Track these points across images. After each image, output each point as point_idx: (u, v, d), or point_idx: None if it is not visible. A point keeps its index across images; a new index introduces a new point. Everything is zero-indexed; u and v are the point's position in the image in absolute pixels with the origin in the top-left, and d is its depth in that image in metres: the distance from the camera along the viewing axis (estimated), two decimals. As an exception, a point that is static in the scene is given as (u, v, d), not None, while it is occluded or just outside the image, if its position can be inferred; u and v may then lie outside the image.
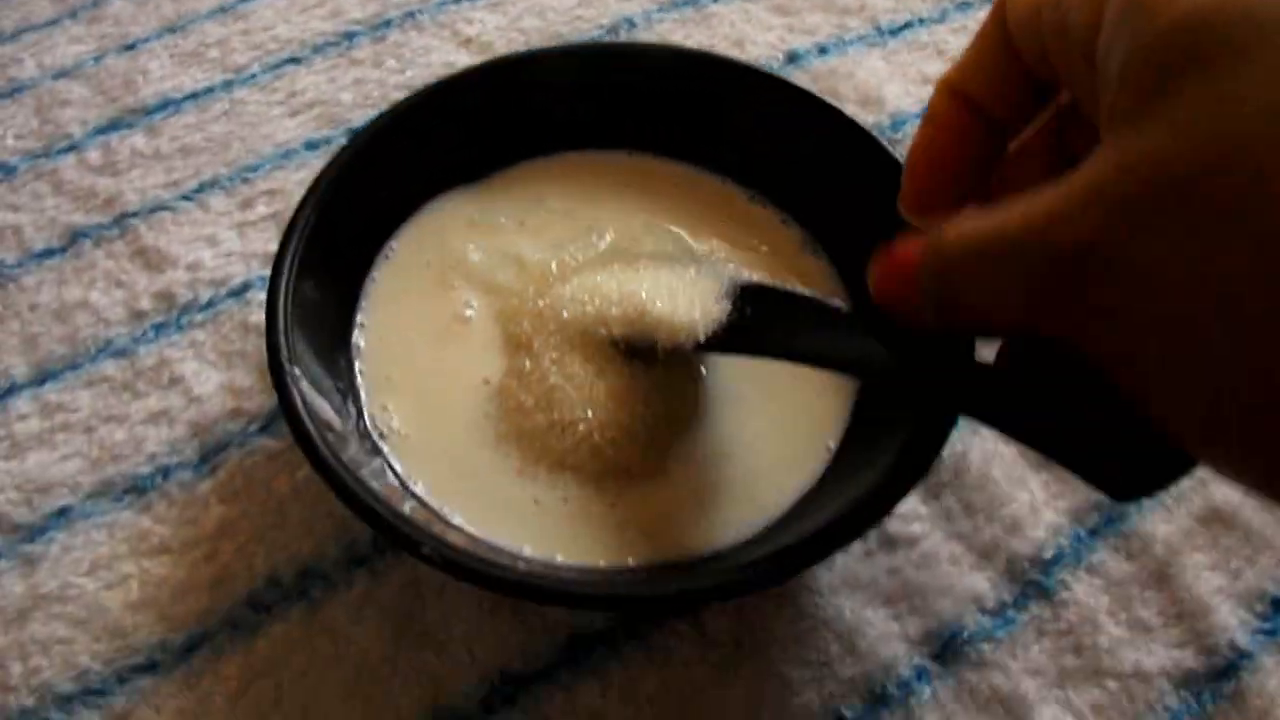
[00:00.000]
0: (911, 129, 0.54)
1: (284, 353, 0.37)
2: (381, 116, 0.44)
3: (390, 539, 0.33)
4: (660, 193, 0.47)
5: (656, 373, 0.40)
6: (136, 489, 0.41)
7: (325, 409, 0.37)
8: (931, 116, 0.33)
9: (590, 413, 0.39)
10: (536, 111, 0.47)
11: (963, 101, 0.32)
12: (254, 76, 0.54)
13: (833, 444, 0.41)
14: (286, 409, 0.35)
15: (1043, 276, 0.25)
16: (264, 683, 0.37)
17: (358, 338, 0.42)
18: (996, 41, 0.31)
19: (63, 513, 0.41)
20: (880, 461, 0.37)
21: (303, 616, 0.39)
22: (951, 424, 0.36)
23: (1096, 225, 0.24)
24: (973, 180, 0.33)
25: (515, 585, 0.33)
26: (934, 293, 0.29)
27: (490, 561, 0.34)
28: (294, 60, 0.55)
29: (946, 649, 0.39)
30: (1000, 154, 0.33)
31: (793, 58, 0.57)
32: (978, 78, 0.32)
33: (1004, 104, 0.32)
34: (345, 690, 0.37)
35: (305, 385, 0.37)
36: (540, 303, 0.42)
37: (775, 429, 0.41)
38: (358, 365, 0.41)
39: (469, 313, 0.43)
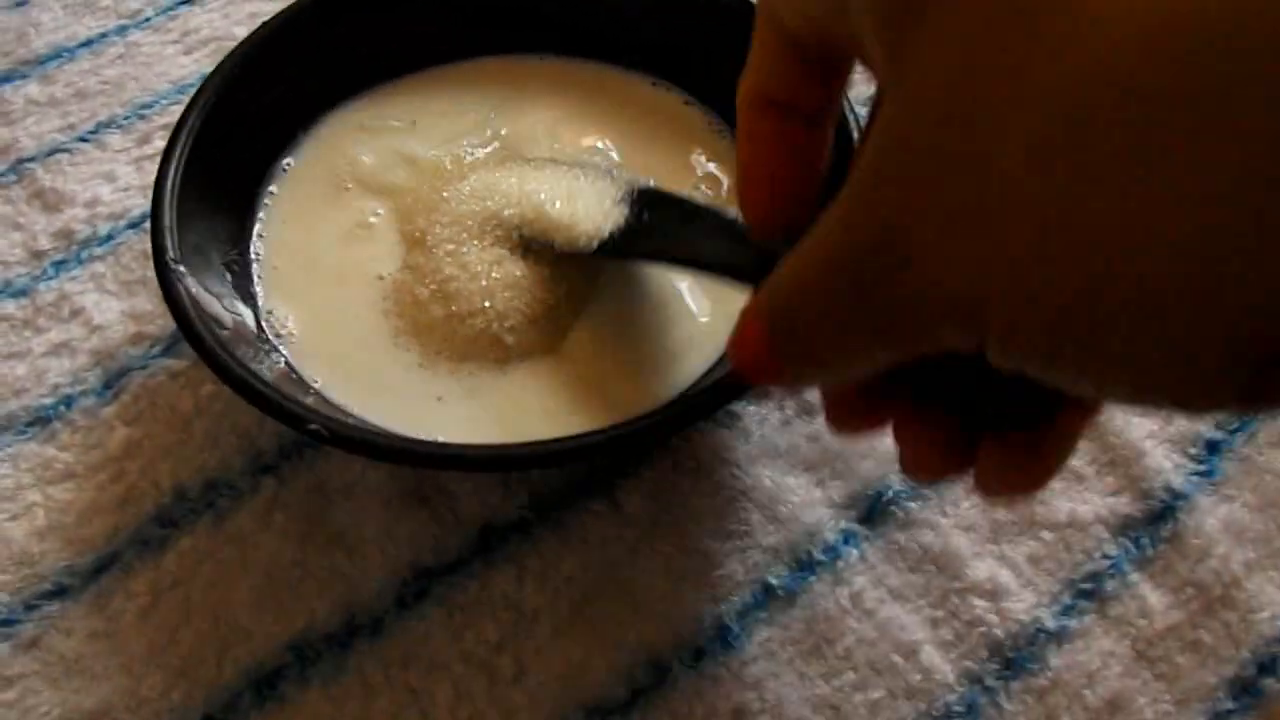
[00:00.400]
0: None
1: (169, 251, 0.36)
2: (265, 24, 0.43)
3: (277, 416, 0.33)
4: (561, 90, 0.46)
5: (552, 259, 0.39)
6: (40, 420, 0.41)
7: (213, 305, 0.37)
8: (746, 135, 0.29)
9: (488, 303, 0.38)
10: (426, 18, 0.46)
11: (770, 108, 0.29)
12: (148, 20, 0.53)
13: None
14: (169, 299, 0.35)
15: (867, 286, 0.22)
16: (173, 595, 0.37)
17: (256, 248, 0.41)
18: (773, 35, 0.28)
19: (-36, 445, 0.40)
20: None
21: (210, 528, 0.38)
22: None
23: (875, 213, 0.21)
24: (815, 186, 0.29)
25: (400, 453, 0.33)
26: (785, 352, 0.25)
27: (375, 431, 0.33)
28: (187, 1, 0.55)
29: (872, 510, 0.38)
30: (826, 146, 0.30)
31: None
32: (773, 80, 0.28)
33: (808, 95, 0.28)
34: (256, 597, 0.36)
35: (191, 282, 0.36)
36: (435, 197, 0.41)
37: (674, 308, 0.40)
38: (255, 272, 0.41)
39: (372, 219, 0.42)
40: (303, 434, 0.32)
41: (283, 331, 0.39)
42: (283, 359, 0.38)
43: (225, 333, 0.36)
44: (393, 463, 0.37)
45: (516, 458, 0.34)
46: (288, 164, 0.44)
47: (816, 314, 0.23)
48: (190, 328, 0.34)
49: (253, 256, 0.41)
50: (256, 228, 0.42)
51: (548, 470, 0.39)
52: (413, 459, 0.34)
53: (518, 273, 0.39)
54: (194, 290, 0.36)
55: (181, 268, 0.36)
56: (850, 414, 0.27)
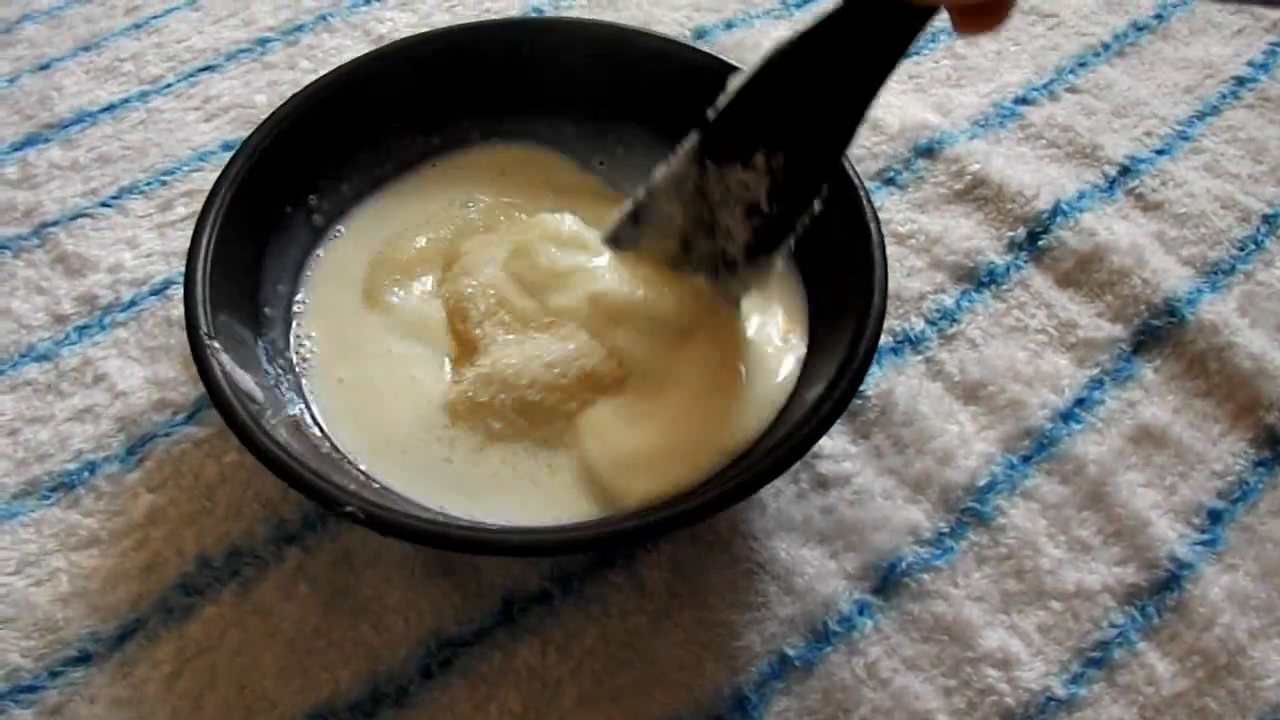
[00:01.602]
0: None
1: (202, 325, 0.37)
2: (285, 104, 0.44)
3: (308, 494, 0.33)
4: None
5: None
6: (64, 485, 0.41)
7: (246, 380, 0.37)
8: None
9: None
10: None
11: None
12: (169, 86, 0.55)
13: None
14: (204, 374, 0.36)
15: None
16: (198, 664, 0.37)
17: (296, 327, 0.43)
18: None
19: (-13, 512, 0.41)
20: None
21: (235, 597, 0.38)
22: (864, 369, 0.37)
23: None
24: None
25: (438, 537, 0.33)
26: None
27: (414, 515, 0.34)
28: (208, 68, 0.56)
29: (886, 582, 0.39)
30: None
31: (700, 34, 0.58)
32: None
33: None
34: (280, 666, 0.37)
35: (225, 357, 0.37)
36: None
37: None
38: (294, 350, 0.42)
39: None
40: (338, 516, 0.33)
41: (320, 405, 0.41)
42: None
43: (257, 407, 0.36)
44: (433, 546, 0.38)
45: (550, 545, 0.35)
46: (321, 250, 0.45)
47: None
48: (225, 403, 0.35)
49: (292, 338, 0.42)
50: (295, 309, 0.43)
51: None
52: (450, 543, 0.35)
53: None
54: (228, 366, 0.37)
55: (216, 343, 0.37)
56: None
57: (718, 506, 0.35)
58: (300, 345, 0.42)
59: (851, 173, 0.41)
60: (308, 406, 0.40)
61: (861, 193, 0.40)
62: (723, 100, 0.38)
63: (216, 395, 0.35)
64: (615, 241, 0.43)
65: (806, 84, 0.36)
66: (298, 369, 0.41)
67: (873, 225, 0.40)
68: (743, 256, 0.40)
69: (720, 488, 0.35)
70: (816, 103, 0.37)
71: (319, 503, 0.33)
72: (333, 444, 0.39)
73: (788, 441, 0.35)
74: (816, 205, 0.38)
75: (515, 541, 0.35)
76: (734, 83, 0.38)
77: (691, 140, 0.39)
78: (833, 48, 0.35)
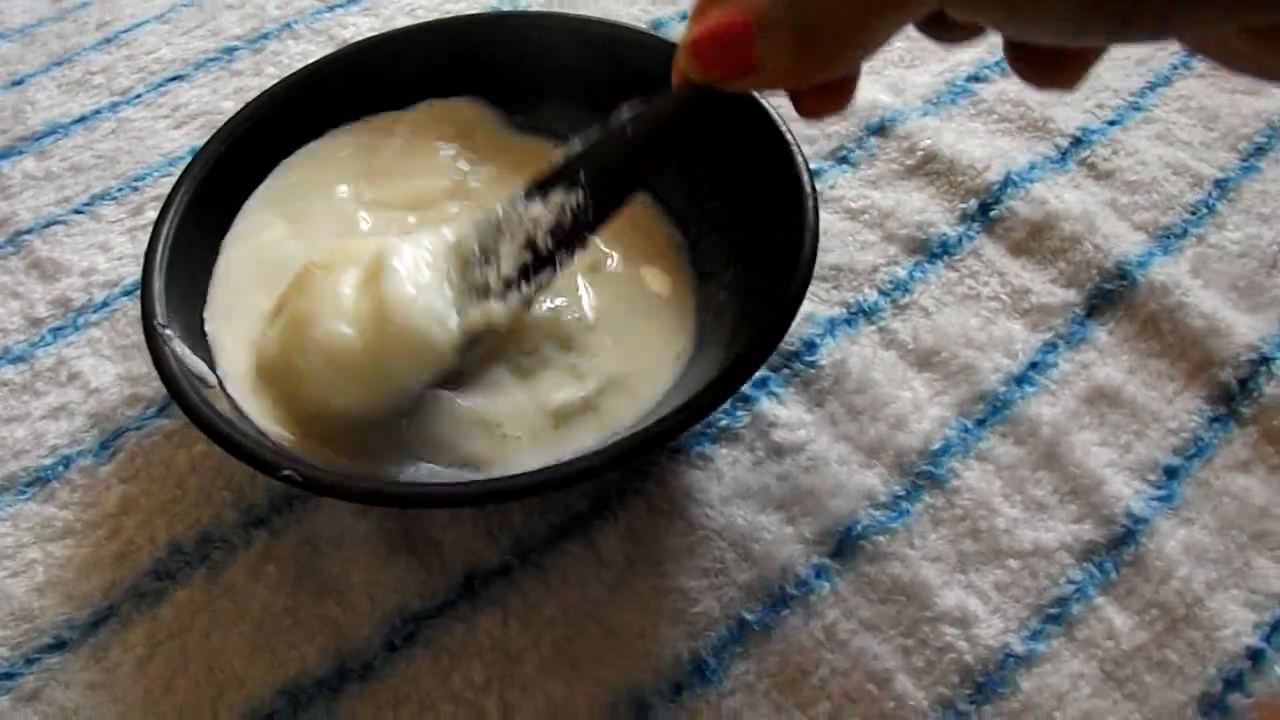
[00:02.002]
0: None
1: (157, 315, 0.38)
2: (250, 103, 0.46)
3: (250, 463, 0.34)
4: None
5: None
6: (39, 480, 0.42)
7: (198, 365, 0.38)
8: None
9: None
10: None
11: None
12: (139, 96, 0.56)
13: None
14: (156, 360, 0.37)
15: None
16: (170, 646, 0.38)
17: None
18: None
19: (-36, 510, 0.42)
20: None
21: (205, 580, 0.39)
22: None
23: None
24: None
25: (374, 495, 0.35)
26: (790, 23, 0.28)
27: (347, 474, 0.35)
28: (177, 78, 0.57)
29: (842, 545, 0.40)
30: None
31: (657, 25, 0.59)
32: None
33: None
34: (249, 645, 0.38)
35: (177, 344, 0.38)
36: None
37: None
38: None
39: None
40: (277, 479, 0.34)
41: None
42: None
43: (210, 390, 0.37)
44: (364, 504, 0.39)
45: (487, 493, 0.35)
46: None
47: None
48: (175, 385, 0.36)
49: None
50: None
51: (529, 514, 0.40)
52: (384, 500, 0.35)
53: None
54: (179, 351, 0.38)
55: (168, 330, 0.38)
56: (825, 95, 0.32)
57: (673, 435, 0.35)
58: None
59: (784, 131, 0.42)
60: None
61: (795, 150, 0.41)
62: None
63: (165, 375, 0.36)
64: None
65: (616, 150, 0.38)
66: None
67: (805, 175, 0.40)
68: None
69: (669, 422, 0.35)
70: (614, 163, 0.38)
71: (257, 468, 0.34)
72: None
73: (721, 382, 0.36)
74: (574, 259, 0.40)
75: (447, 493, 0.36)
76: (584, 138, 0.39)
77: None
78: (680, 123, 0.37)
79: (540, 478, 0.34)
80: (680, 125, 0.36)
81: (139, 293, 0.46)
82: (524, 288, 0.39)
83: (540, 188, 0.39)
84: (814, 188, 0.40)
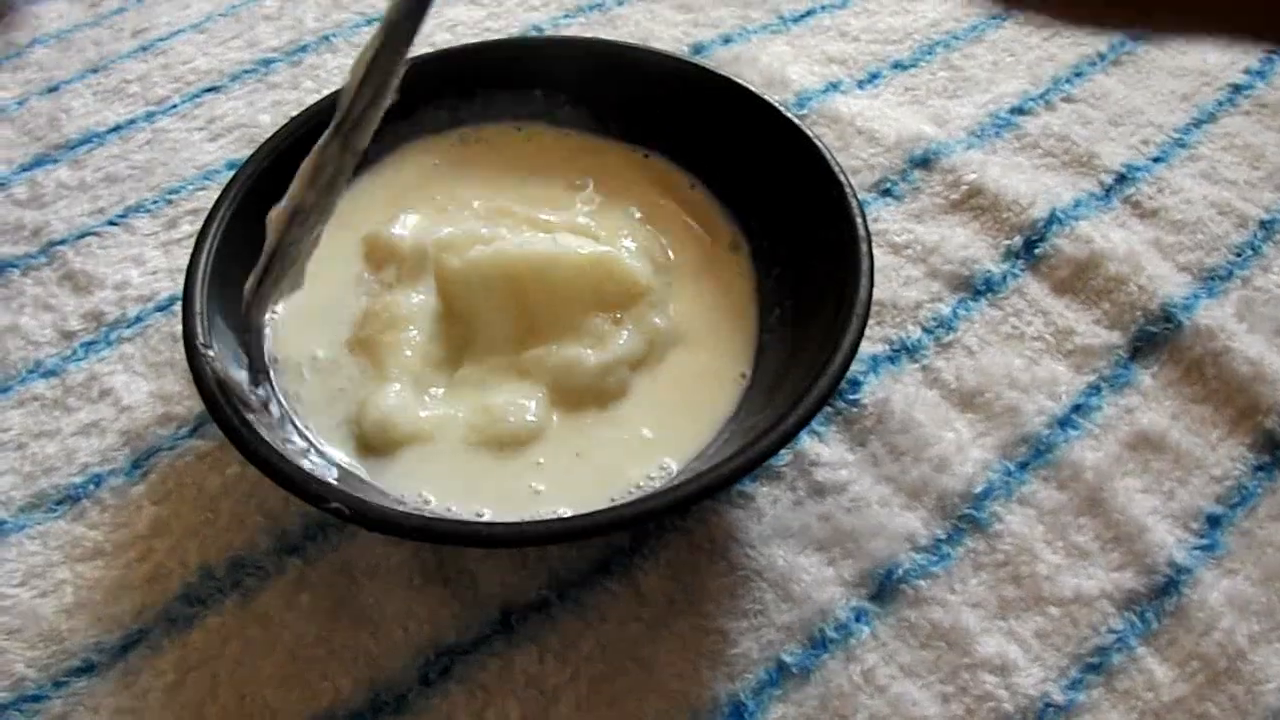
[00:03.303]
0: (817, 105, 0.56)
1: (199, 335, 0.38)
2: (297, 117, 0.45)
3: (295, 492, 0.34)
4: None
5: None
6: (69, 498, 0.42)
7: (240, 388, 0.38)
8: None
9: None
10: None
11: None
12: (175, 106, 0.56)
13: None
14: (198, 382, 0.36)
15: None
16: (200, 674, 0.37)
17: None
18: None
19: (-6, 527, 0.41)
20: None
21: (236, 607, 0.39)
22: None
23: None
24: None
25: (422, 531, 0.34)
26: None
27: (396, 510, 0.35)
28: (213, 89, 0.57)
29: (883, 589, 0.39)
30: None
31: (698, 49, 0.59)
32: None
33: None
34: (281, 675, 0.37)
35: (219, 365, 0.37)
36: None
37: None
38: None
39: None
40: (323, 511, 0.33)
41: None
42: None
43: (252, 415, 0.37)
44: (412, 540, 0.38)
45: (535, 534, 0.35)
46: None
47: None
48: (217, 408, 0.36)
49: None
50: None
51: (567, 549, 0.40)
52: (432, 536, 0.35)
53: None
54: (221, 373, 0.37)
55: (210, 351, 0.37)
56: None
57: (719, 488, 0.35)
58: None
59: (841, 177, 0.42)
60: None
61: (849, 192, 0.41)
62: None
63: (208, 398, 0.36)
64: None
65: None
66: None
67: (859, 220, 0.40)
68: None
69: (719, 472, 0.35)
70: None
71: (304, 498, 0.34)
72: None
73: (774, 430, 0.35)
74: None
75: (500, 534, 0.35)
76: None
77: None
78: None
79: (599, 519, 0.34)
80: None
81: (175, 309, 0.46)
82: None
83: None
84: (869, 234, 0.40)
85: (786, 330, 0.42)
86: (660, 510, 0.34)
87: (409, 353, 0.42)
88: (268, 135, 0.44)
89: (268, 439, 0.35)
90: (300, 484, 0.34)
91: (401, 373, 0.42)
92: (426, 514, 0.36)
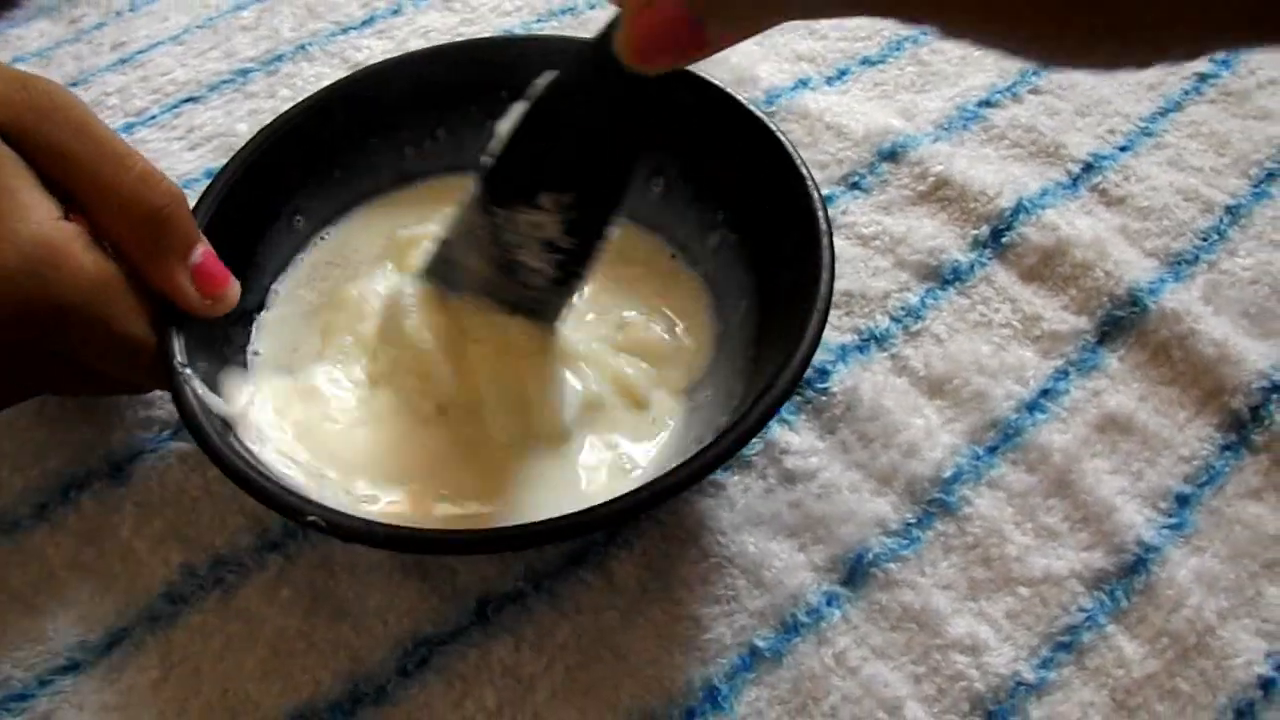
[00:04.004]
0: (786, 102, 0.57)
1: (176, 355, 0.38)
2: (262, 131, 0.46)
3: (274, 507, 0.35)
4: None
5: None
6: (51, 503, 0.42)
7: (219, 404, 0.39)
8: None
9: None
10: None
11: None
12: (154, 117, 0.56)
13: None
14: (177, 402, 0.37)
15: None
16: (183, 669, 0.38)
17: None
18: None
19: (-20, 533, 0.42)
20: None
21: (218, 603, 0.39)
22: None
23: None
24: None
25: (398, 540, 0.35)
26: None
27: (374, 521, 0.35)
28: (191, 99, 0.57)
29: (854, 573, 0.40)
30: None
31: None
32: None
33: None
34: (263, 669, 0.38)
35: (198, 383, 0.38)
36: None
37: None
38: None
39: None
40: (302, 525, 0.34)
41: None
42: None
43: (229, 431, 0.38)
44: (390, 550, 0.39)
45: (506, 539, 0.36)
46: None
47: None
48: (197, 428, 0.36)
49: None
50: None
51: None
52: (410, 545, 0.36)
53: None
54: (200, 391, 0.38)
55: (188, 370, 0.38)
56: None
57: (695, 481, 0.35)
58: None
59: (799, 163, 0.42)
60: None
61: (810, 184, 0.41)
62: (495, 146, 0.38)
63: (189, 419, 0.37)
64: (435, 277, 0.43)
65: (573, 126, 0.37)
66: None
67: (820, 213, 0.41)
68: (549, 288, 0.41)
69: (691, 466, 0.35)
70: (588, 142, 0.37)
71: (283, 513, 0.34)
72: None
73: (745, 421, 0.35)
74: (613, 230, 0.40)
75: (471, 539, 0.36)
76: (503, 128, 0.38)
77: (475, 190, 0.39)
78: (587, 94, 0.36)
79: (569, 522, 0.34)
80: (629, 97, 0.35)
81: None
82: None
83: (507, 196, 0.38)
84: (829, 225, 0.40)
85: (747, 326, 0.43)
86: (637, 508, 0.35)
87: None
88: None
89: (245, 456, 0.36)
90: (278, 497, 0.35)
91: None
92: (400, 524, 0.36)
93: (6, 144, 0.37)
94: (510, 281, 0.41)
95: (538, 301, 0.41)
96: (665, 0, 0.29)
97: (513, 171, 0.38)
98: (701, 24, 0.28)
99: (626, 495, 0.35)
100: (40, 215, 0.36)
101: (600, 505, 0.34)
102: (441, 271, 0.42)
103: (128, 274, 0.38)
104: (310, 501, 0.35)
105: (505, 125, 0.38)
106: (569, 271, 0.40)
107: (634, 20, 0.30)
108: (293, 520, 0.34)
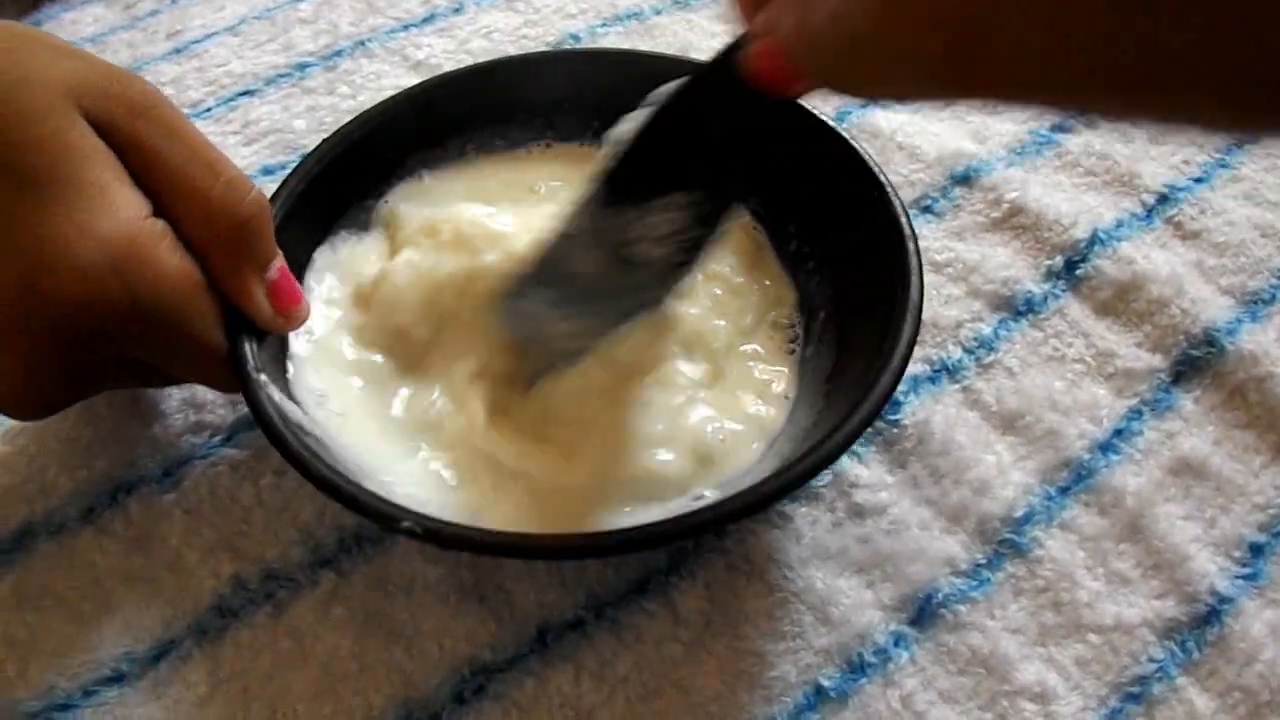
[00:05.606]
0: (857, 119, 0.56)
1: (249, 360, 0.38)
2: (329, 139, 0.45)
3: (372, 517, 0.34)
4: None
5: None
6: (99, 506, 0.41)
7: (296, 412, 0.38)
8: None
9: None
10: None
11: None
12: (209, 110, 0.55)
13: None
14: (254, 409, 0.36)
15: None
16: (231, 686, 0.37)
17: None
18: None
19: (25, 533, 0.41)
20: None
21: (268, 620, 0.38)
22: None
23: None
24: None
25: (493, 546, 0.34)
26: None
27: (472, 528, 0.34)
28: (248, 93, 0.57)
29: (922, 613, 0.39)
30: None
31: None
32: None
33: None
34: (313, 690, 0.37)
35: (274, 390, 0.37)
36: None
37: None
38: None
39: None
40: (396, 533, 0.33)
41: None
42: None
43: (310, 438, 0.37)
44: (485, 555, 0.39)
45: (605, 546, 0.35)
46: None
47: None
48: (278, 437, 0.35)
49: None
50: None
51: (603, 568, 0.39)
52: (497, 550, 0.35)
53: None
54: (277, 398, 0.37)
55: (262, 376, 0.37)
56: None
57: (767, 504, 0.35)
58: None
59: (892, 197, 0.41)
60: None
61: (900, 213, 0.41)
62: (618, 149, 0.38)
63: (267, 427, 0.36)
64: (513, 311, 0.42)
65: (699, 130, 0.38)
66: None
67: (911, 244, 0.40)
68: (669, 274, 0.41)
69: (759, 491, 0.34)
70: (713, 145, 0.38)
71: (375, 520, 0.34)
72: None
73: (827, 442, 0.35)
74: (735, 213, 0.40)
75: (571, 545, 0.36)
76: (622, 132, 0.39)
77: (594, 191, 0.39)
78: (717, 104, 0.37)
79: (652, 532, 0.34)
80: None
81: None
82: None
83: (631, 195, 0.39)
84: (919, 255, 0.39)
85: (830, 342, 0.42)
86: (697, 527, 0.34)
87: None
88: (301, 140, 0.45)
89: (328, 460, 0.35)
90: (369, 505, 0.34)
91: None
92: (495, 529, 0.35)
93: (100, 138, 0.36)
94: (625, 274, 0.40)
95: (650, 288, 0.41)
96: (774, 38, 0.32)
97: (639, 172, 0.38)
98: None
99: (687, 515, 0.34)
100: (128, 212, 0.35)
101: (695, 514, 0.34)
102: (518, 294, 0.42)
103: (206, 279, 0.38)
104: (405, 510, 0.34)
105: (625, 129, 0.38)
106: (689, 256, 0.40)
107: (752, 45, 0.33)
108: (386, 527, 0.34)
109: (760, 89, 0.33)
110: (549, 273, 0.41)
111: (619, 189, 0.39)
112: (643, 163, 0.38)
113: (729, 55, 0.35)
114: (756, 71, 0.33)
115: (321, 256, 0.45)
